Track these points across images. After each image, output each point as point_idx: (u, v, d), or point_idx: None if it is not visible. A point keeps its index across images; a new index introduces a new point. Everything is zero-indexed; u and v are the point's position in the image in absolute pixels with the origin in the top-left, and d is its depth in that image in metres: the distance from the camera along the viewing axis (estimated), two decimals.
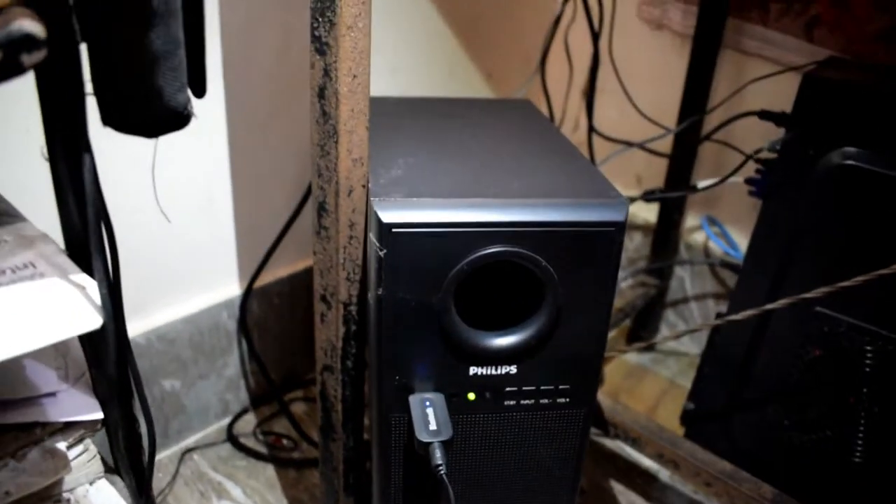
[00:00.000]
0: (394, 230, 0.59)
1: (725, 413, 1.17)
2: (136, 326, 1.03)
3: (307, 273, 1.22)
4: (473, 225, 0.60)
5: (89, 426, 0.55)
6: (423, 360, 0.65)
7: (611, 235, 0.63)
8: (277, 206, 1.14)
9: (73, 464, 0.54)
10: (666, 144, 1.35)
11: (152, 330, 1.05)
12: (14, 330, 0.40)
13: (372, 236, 0.61)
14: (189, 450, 1.16)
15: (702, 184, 1.28)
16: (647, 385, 1.42)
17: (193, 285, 1.09)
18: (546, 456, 0.72)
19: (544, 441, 0.71)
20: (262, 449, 1.17)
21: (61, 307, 0.42)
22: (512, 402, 0.69)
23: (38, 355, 0.56)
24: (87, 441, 0.55)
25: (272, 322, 1.20)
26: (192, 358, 1.11)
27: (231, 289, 1.14)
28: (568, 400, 0.70)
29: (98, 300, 0.43)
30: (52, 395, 0.54)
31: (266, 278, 1.17)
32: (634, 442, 1.07)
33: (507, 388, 0.68)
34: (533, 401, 0.69)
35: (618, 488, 1.17)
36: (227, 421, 1.21)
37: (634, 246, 1.56)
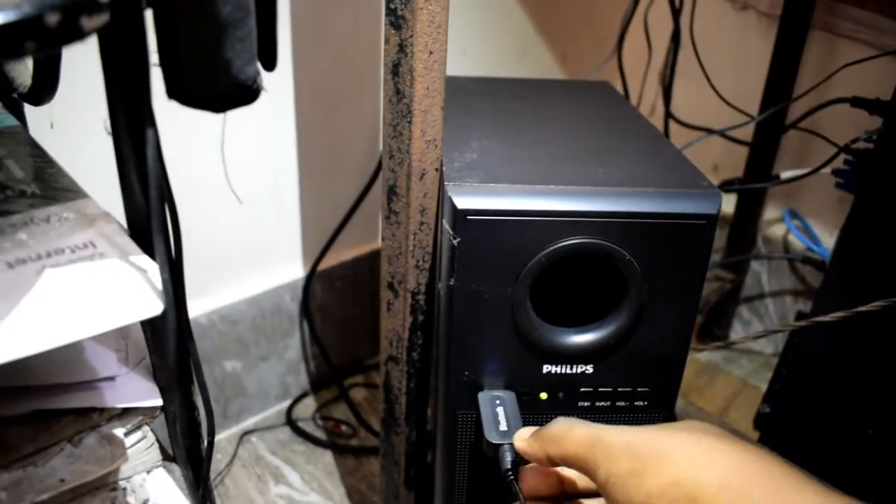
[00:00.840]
0: (469, 217, 0.56)
1: (804, 419, 1.11)
2: (199, 306, 1.02)
3: (371, 257, 1.20)
4: (553, 214, 0.56)
5: (148, 412, 0.53)
6: (495, 356, 0.62)
7: (702, 229, 0.58)
8: (344, 188, 1.12)
9: (130, 451, 0.52)
10: (747, 132, 1.28)
11: (215, 310, 1.03)
12: (70, 314, 0.38)
13: (445, 223, 0.58)
14: (248, 432, 1.14)
15: (785, 174, 1.21)
16: (719, 385, 1.37)
17: (256, 267, 1.07)
18: None
19: None
20: (321, 434, 1.15)
21: (121, 291, 0.40)
22: (586, 404, 0.65)
23: (99, 337, 0.55)
24: (146, 428, 0.53)
25: (334, 306, 1.18)
26: (253, 340, 1.10)
27: (294, 271, 1.12)
28: (646, 403, 0.65)
29: (159, 284, 0.41)
30: (111, 379, 0.52)
31: (329, 261, 1.14)
32: None
33: (582, 389, 0.64)
34: (609, 402, 0.65)
35: None
36: (286, 404, 1.20)
37: None
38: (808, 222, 1.33)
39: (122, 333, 0.56)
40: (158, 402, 0.51)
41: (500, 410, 0.60)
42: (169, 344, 0.43)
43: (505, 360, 0.62)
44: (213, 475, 1.06)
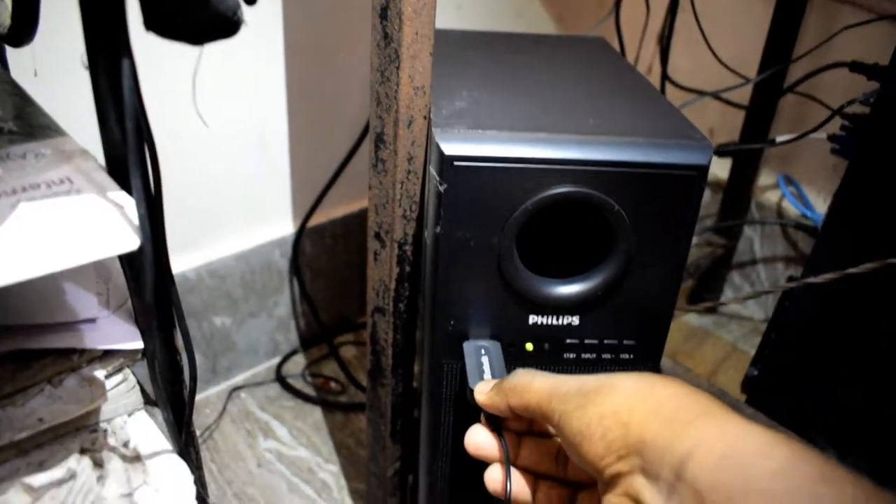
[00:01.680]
0: (455, 163, 0.55)
1: (792, 382, 1.11)
2: (187, 260, 1.02)
3: (362, 214, 1.19)
4: (542, 161, 0.56)
5: (129, 355, 0.52)
6: (480, 306, 0.61)
7: (692, 180, 0.58)
8: (335, 142, 1.11)
9: (110, 394, 0.51)
10: (744, 96, 1.27)
11: (203, 265, 1.03)
12: (44, 246, 0.37)
13: (432, 169, 0.57)
14: (237, 388, 1.14)
15: (780, 138, 1.20)
16: (708, 349, 1.37)
17: (246, 222, 1.06)
18: None
19: None
20: (310, 391, 1.16)
21: (96, 226, 0.39)
22: (572, 356, 0.64)
23: (79, 280, 0.54)
24: (127, 371, 0.52)
25: (325, 263, 1.18)
26: (242, 296, 1.09)
27: (284, 227, 1.12)
28: (632, 356, 0.65)
29: (136, 220, 0.40)
30: (92, 321, 0.52)
31: (320, 218, 1.14)
32: None
33: (568, 340, 0.64)
34: (595, 355, 0.65)
35: None
36: (276, 361, 1.20)
37: (703, 204, 1.48)
38: (803, 189, 1.32)
39: (102, 277, 0.55)
40: (139, 344, 0.51)
41: (485, 360, 0.60)
42: (146, 281, 0.42)
43: (491, 310, 0.61)
44: (201, 430, 1.06)
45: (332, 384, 1.16)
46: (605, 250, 0.60)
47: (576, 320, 0.63)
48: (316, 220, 1.13)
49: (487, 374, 0.58)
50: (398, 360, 0.73)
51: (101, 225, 0.39)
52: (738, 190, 1.36)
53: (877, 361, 0.98)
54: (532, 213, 0.57)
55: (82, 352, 0.51)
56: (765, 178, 1.38)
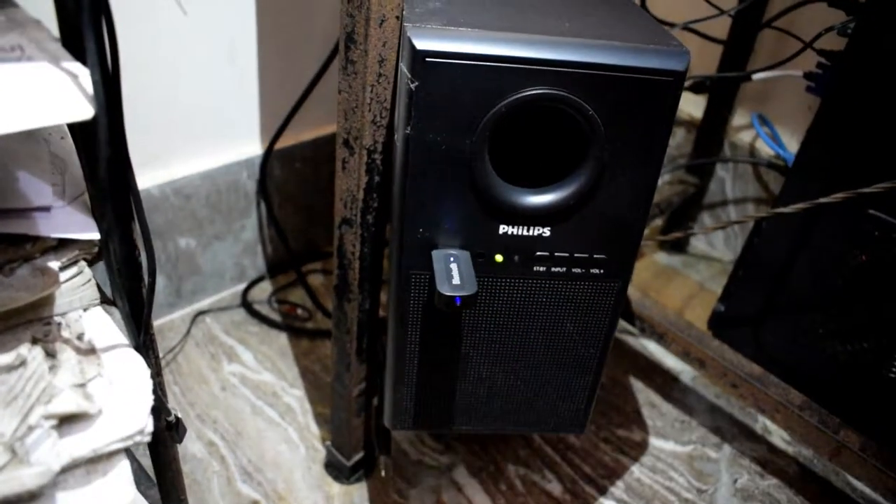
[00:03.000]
0: (428, 59, 0.53)
1: (757, 318, 1.12)
2: (152, 177, 0.99)
3: (331, 139, 1.17)
4: (517, 61, 0.54)
5: (84, 246, 0.50)
6: (450, 214, 0.60)
7: (669, 86, 0.56)
8: (306, 60, 1.07)
9: (65, 287, 0.50)
10: (721, 30, 1.25)
11: (168, 182, 1.00)
12: None
13: (403, 67, 0.55)
14: (202, 312, 1.13)
15: (757, 75, 1.19)
16: (676, 287, 1.38)
17: (212, 140, 1.04)
18: (573, 330, 0.68)
19: (572, 314, 0.67)
20: (276, 317, 1.14)
21: (48, 92, 0.37)
22: (542, 269, 0.64)
23: (33, 169, 0.52)
24: (82, 264, 0.51)
25: (293, 188, 1.15)
26: (208, 217, 1.07)
27: (252, 147, 1.09)
28: (602, 271, 0.65)
29: (90, 89, 0.38)
30: (46, 210, 0.50)
31: (289, 140, 1.11)
32: (661, 338, 1.03)
33: (538, 253, 0.63)
34: (565, 269, 0.64)
35: (637, 386, 1.13)
36: (241, 287, 1.18)
37: (676, 143, 1.48)
38: (777, 129, 1.31)
39: (58, 168, 0.53)
40: (95, 235, 0.49)
41: (453, 266, 0.59)
42: (101, 157, 0.40)
43: (461, 219, 0.60)
44: (165, 352, 1.04)
45: (299, 311, 1.15)
46: (579, 159, 0.59)
47: (547, 231, 0.61)
48: (285, 142, 1.10)
49: (455, 280, 0.57)
50: (365, 273, 0.72)
51: (54, 91, 0.37)
52: (712, 128, 1.36)
53: (842, 298, 0.99)
54: (505, 115, 0.55)
55: (35, 241, 0.49)
56: (739, 118, 1.37)
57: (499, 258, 0.62)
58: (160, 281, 1.05)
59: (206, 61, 0.96)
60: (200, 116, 1.00)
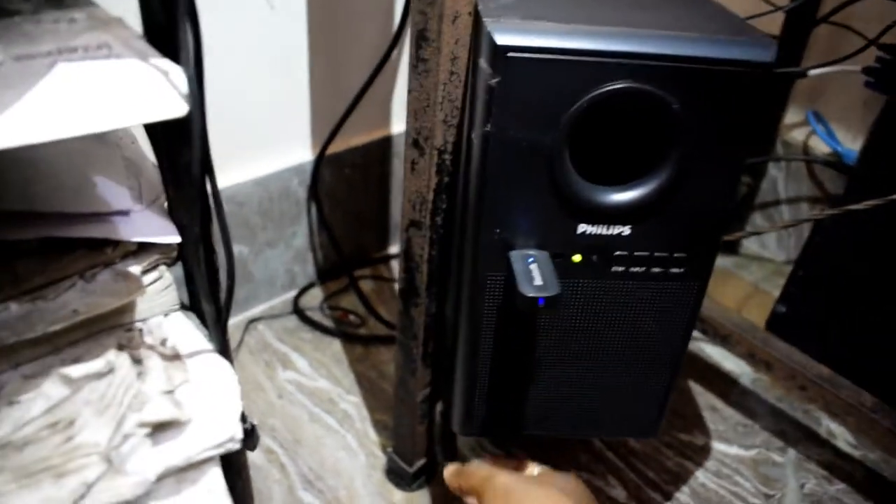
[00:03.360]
0: (510, 54, 0.52)
1: (820, 318, 1.09)
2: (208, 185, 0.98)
3: (382, 144, 1.16)
4: (600, 55, 0.52)
5: (165, 251, 0.49)
6: (528, 214, 0.58)
7: (756, 78, 0.54)
8: (355, 69, 1.07)
9: (146, 292, 0.49)
10: (774, 25, 1.23)
11: (222, 189, 0.99)
12: (86, 105, 0.34)
13: (483, 63, 0.54)
14: (254, 319, 1.12)
15: (813, 71, 1.17)
16: (730, 288, 1.35)
17: (264, 147, 1.03)
18: (650, 332, 0.66)
19: (650, 315, 0.65)
20: (329, 324, 1.13)
21: (142, 90, 0.36)
22: (620, 269, 0.62)
23: (109, 173, 0.51)
24: (163, 268, 0.50)
25: (343, 193, 1.15)
26: (260, 224, 1.06)
27: (303, 154, 1.08)
28: (682, 270, 0.63)
29: (183, 87, 0.37)
30: (125, 214, 0.49)
31: (339, 146, 1.10)
32: (724, 340, 1.01)
33: (618, 252, 0.61)
34: (644, 268, 0.62)
35: (696, 389, 1.11)
36: (292, 294, 1.17)
37: None
38: (832, 126, 1.28)
39: (133, 171, 0.52)
40: (176, 238, 0.48)
41: (533, 267, 0.57)
42: (194, 156, 0.39)
43: (538, 218, 0.59)
44: None
45: (351, 317, 1.14)
46: (661, 155, 0.57)
47: (626, 230, 0.60)
48: (335, 148, 1.10)
49: (538, 281, 0.55)
50: (433, 277, 0.71)
51: (147, 89, 0.36)
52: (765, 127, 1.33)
53: None
54: (587, 111, 0.54)
55: (116, 245, 0.48)
56: (792, 115, 1.34)
57: (576, 258, 0.61)
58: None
59: (259, 68, 0.96)
60: (253, 125, 0.99)
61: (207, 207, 0.46)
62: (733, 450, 1.01)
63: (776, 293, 1.17)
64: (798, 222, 0.95)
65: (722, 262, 1.41)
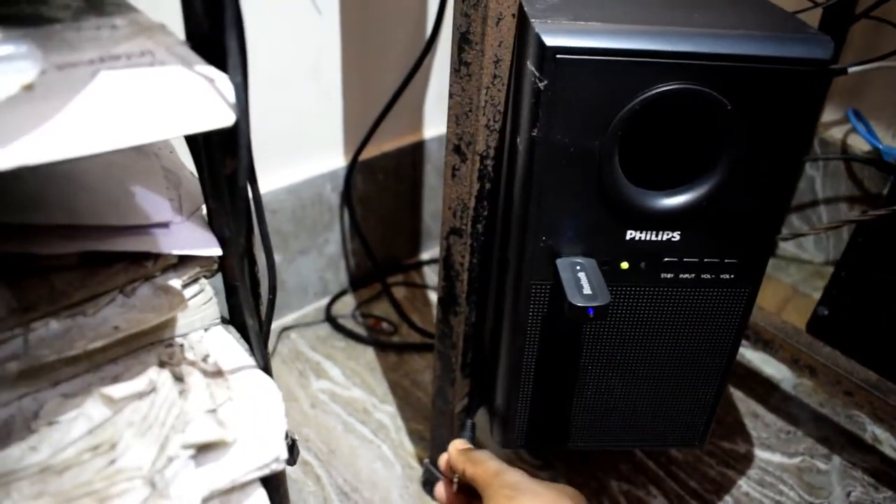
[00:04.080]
0: (559, 56, 0.50)
1: (864, 321, 1.06)
2: None
3: (414, 149, 1.14)
4: (650, 55, 0.50)
5: (206, 263, 0.48)
6: (575, 220, 0.57)
7: (813, 76, 0.52)
8: (387, 73, 1.05)
9: (188, 306, 0.47)
10: (812, 21, 1.20)
11: None
12: (132, 116, 0.33)
13: (530, 65, 0.52)
14: (287, 328, 1.11)
15: (854, 69, 1.14)
16: (769, 291, 1.32)
17: (296, 154, 1.02)
18: (699, 339, 0.64)
19: (699, 322, 0.63)
20: (361, 331, 1.12)
21: (188, 99, 0.35)
22: (669, 276, 0.60)
23: (148, 184, 0.50)
24: (204, 282, 0.48)
25: (375, 199, 1.13)
26: (293, 232, 1.05)
27: (335, 160, 1.07)
28: (732, 276, 0.60)
29: (231, 96, 0.35)
30: (165, 226, 0.48)
31: (371, 151, 1.09)
32: (766, 344, 0.98)
33: (667, 259, 0.59)
34: (693, 275, 0.60)
35: (737, 395, 1.08)
36: (325, 301, 1.16)
37: None
38: (871, 125, 1.25)
39: (172, 182, 0.51)
40: (217, 250, 0.47)
41: (581, 275, 0.55)
42: (242, 165, 0.38)
43: (586, 224, 0.57)
44: None
45: (384, 324, 1.12)
46: (712, 158, 0.55)
47: (676, 236, 0.58)
48: (367, 154, 1.08)
49: (587, 290, 0.54)
50: (473, 286, 0.69)
51: (193, 97, 0.35)
52: None
53: None
54: (638, 114, 0.52)
55: (156, 259, 0.46)
56: (829, 113, 1.31)
57: (624, 265, 0.59)
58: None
59: (293, 72, 0.94)
60: (285, 131, 0.98)
61: (250, 219, 0.45)
62: (776, 457, 0.99)
63: (816, 295, 1.14)
64: (843, 223, 0.92)
65: None
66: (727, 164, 0.55)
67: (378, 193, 1.13)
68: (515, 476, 0.61)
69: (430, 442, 0.86)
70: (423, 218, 1.23)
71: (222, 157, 0.40)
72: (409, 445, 0.94)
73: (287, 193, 1.01)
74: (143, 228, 0.47)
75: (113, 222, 0.46)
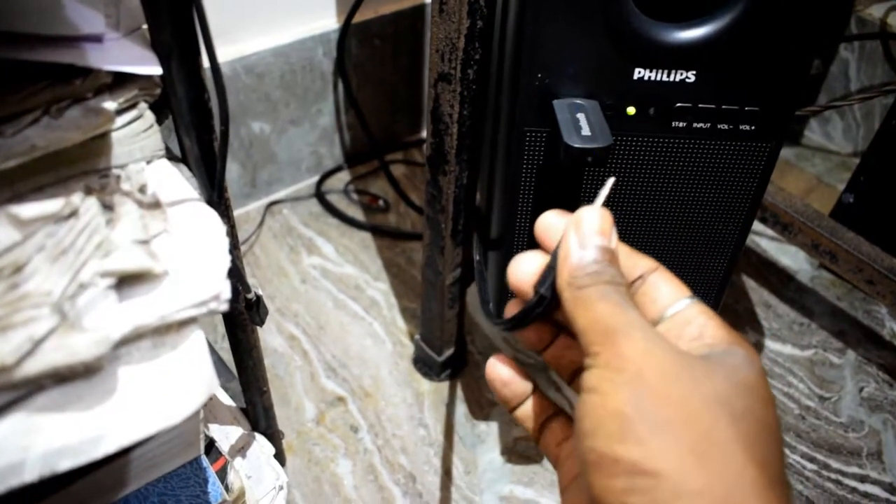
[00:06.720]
0: None
1: (892, 209, 0.99)
2: (222, 53, 0.90)
3: (414, 13, 1.06)
4: None
5: (145, 86, 0.42)
6: (575, 56, 0.50)
7: None
8: None
9: (123, 133, 0.42)
10: None
11: (238, 59, 0.91)
12: None
13: None
14: (277, 202, 1.05)
15: None
16: (791, 180, 1.25)
17: (284, 12, 0.94)
18: (712, 200, 0.57)
19: (713, 181, 0.56)
20: (357, 208, 1.06)
21: None
22: (681, 124, 0.53)
23: None
24: (143, 106, 0.42)
25: (372, 68, 1.06)
26: (282, 99, 0.98)
27: (327, 21, 0.99)
28: (753, 128, 0.54)
29: None
30: (98, 40, 0.42)
31: (367, 13, 1.01)
32: (785, 228, 0.92)
33: (679, 104, 0.52)
34: (709, 124, 0.53)
35: (749, 284, 1.02)
36: (319, 177, 1.10)
37: None
38: None
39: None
40: (156, 69, 0.41)
41: (580, 116, 0.49)
42: None
43: (587, 61, 0.50)
44: (240, 240, 0.98)
45: (380, 201, 1.06)
46: None
47: (691, 76, 0.51)
48: (362, 16, 1.00)
49: (585, 131, 0.47)
50: (464, 141, 0.63)
51: None
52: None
53: None
54: None
55: (86, 75, 0.40)
56: None
57: (631, 110, 0.52)
58: (234, 169, 0.98)
59: None
60: None
61: (193, 37, 0.38)
62: (787, 349, 0.94)
63: (841, 187, 1.07)
64: (877, 93, 0.84)
65: (783, 152, 1.30)
66: None
67: (375, 61, 1.05)
68: (648, 343, 0.28)
69: (420, 317, 0.82)
70: (424, 90, 1.15)
71: None
72: (401, 323, 0.90)
73: (273, 56, 0.94)
74: (71, 40, 0.41)
75: (36, 30, 0.39)
